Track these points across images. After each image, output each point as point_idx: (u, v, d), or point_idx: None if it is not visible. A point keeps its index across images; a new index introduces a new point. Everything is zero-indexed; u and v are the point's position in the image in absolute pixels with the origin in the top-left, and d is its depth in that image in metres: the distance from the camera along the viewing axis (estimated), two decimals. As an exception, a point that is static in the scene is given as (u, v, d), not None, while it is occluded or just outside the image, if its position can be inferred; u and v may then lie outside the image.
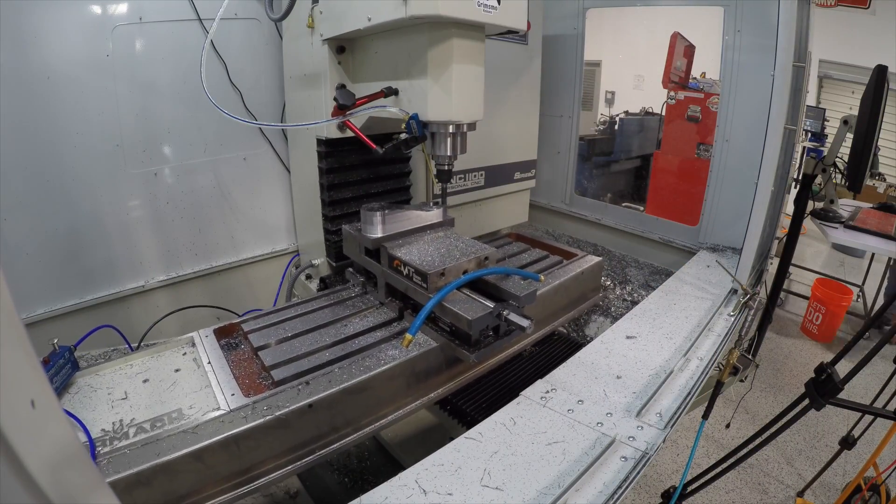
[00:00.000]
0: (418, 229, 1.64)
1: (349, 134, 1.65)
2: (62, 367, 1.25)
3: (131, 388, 1.27)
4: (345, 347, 1.39)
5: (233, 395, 1.20)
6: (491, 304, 1.29)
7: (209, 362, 1.33)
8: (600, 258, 2.01)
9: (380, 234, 1.55)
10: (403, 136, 1.48)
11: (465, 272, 1.40)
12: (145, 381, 1.30)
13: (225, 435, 1.07)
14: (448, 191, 1.77)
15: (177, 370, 1.35)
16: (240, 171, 2.25)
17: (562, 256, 2.06)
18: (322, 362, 1.32)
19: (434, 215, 1.69)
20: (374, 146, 1.56)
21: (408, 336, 1.24)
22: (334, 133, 1.73)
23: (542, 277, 1.40)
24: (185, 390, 1.27)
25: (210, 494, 1.08)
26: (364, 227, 1.59)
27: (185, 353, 1.43)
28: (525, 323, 1.25)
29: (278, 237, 2.44)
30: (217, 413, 1.14)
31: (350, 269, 1.79)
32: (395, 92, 1.51)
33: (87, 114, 1.80)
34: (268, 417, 1.12)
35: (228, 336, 1.51)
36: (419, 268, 1.37)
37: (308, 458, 1.21)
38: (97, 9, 1.77)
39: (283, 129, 2.29)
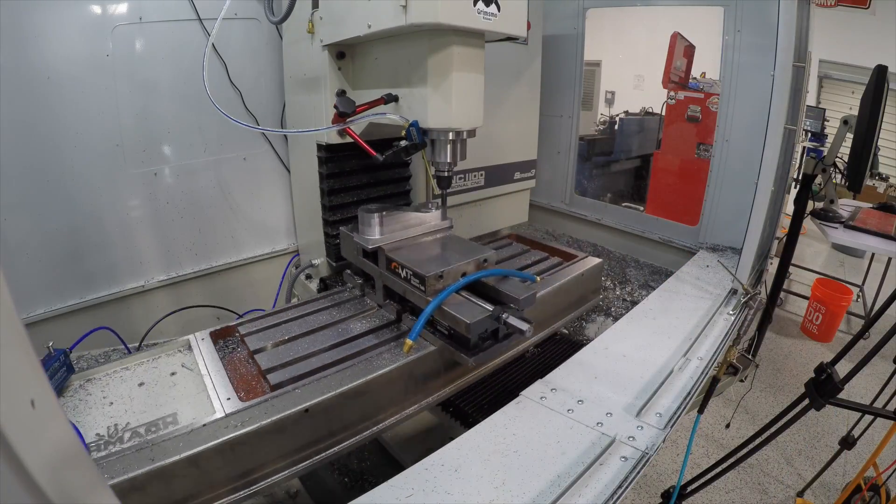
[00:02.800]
0: (417, 231, 1.64)
1: (349, 140, 1.65)
2: (57, 371, 1.24)
3: (127, 393, 1.26)
4: (342, 351, 1.38)
5: (228, 399, 1.19)
6: (490, 307, 1.27)
7: (205, 366, 1.32)
8: (600, 260, 2.00)
9: (377, 237, 1.55)
10: (403, 142, 1.48)
11: (463, 274, 1.39)
12: (141, 384, 1.29)
13: (220, 440, 1.06)
14: (448, 191, 1.78)
15: (173, 374, 1.34)
16: (240, 171, 2.25)
17: (561, 258, 2.05)
18: (319, 366, 1.31)
19: (432, 217, 1.69)
20: (374, 153, 1.56)
21: (408, 341, 1.23)
22: (334, 139, 1.73)
23: (539, 279, 1.40)
24: (181, 394, 1.26)
25: (206, 500, 1.07)
26: (362, 229, 1.59)
27: (181, 357, 1.42)
28: (524, 326, 1.23)
29: (278, 237, 2.44)
30: (213, 418, 1.13)
31: (348, 271, 1.79)
32: (395, 99, 1.51)
33: (87, 113, 1.80)
34: (264, 422, 1.11)
35: (226, 338, 1.50)
36: (417, 270, 1.36)
37: (305, 462, 1.20)
38: (97, 9, 1.77)
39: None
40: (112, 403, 1.21)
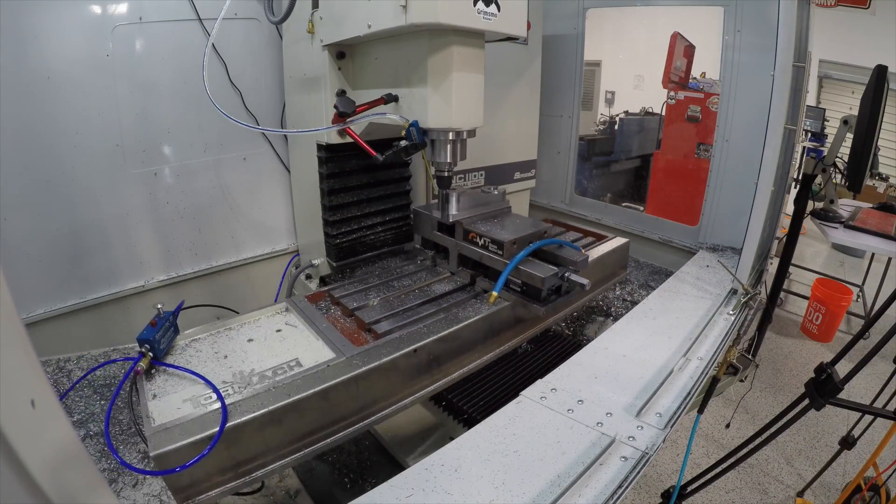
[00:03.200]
0: (483, 210, 1.79)
1: (349, 140, 1.65)
2: (167, 330, 1.31)
3: (238, 347, 1.37)
4: (431, 307, 1.60)
5: (344, 345, 1.35)
6: (554, 268, 1.48)
7: (311, 322, 1.48)
8: (627, 240, 2.19)
9: (454, 213, 1.72)
10: (403, 142, 1.48)
11: (530, 242, 1.59)
12: (250, 340, 1.40)
13: (347, 376, 1.22)
14: (448, 191, 1.78)
15: (278, 330, 1.46)
16: (240, 171, 2.25)
17: (594, 238, 2.25)
18: (415, 318, 1.52)
19: (495, 198, 1.85)
20: (374, 153, 1.56)
21: (493, 293, 1.41)
22: (334, 139, 1.74)
23: (583, 250, 1.59)
24: (294, 346, 1.39)
25: (329, 432, 1.23)
26: (441, 206, 1.74)
27: (282, 318, 1.55)
28: (584, 281, 1.45)
29: (278, 237, 2.44)
30: (336, 360, 1.28)
31: (417, 246, 2.00)
32: (395, 99, 1.52)
33: (87, 114, 1.80)
34: (383, 360, 1.29)
35: (317, 302, 1.65)
36: (496, 237, 1.56)
37: (412, 396, 1.38)
38: (97, 9, 1.77)
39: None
40: (226, 357, 1.32)
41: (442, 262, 1.87)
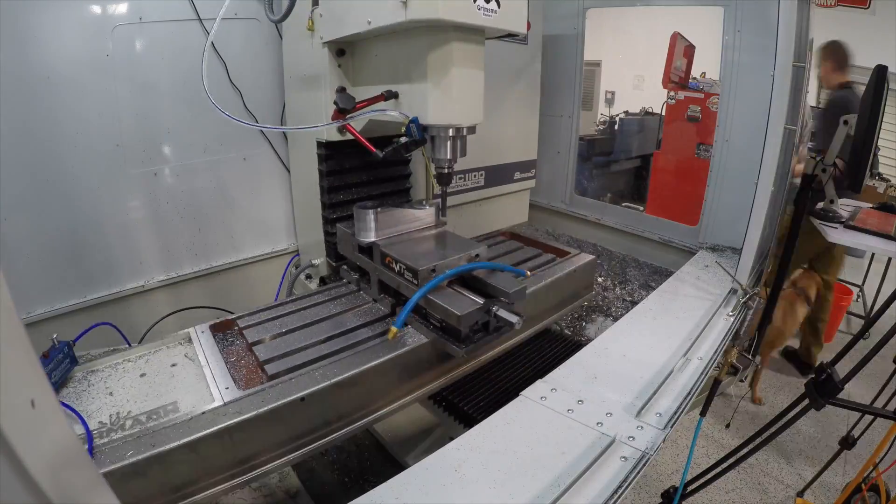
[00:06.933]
0: (411, 228, 1.67)
1: (349, 137, 1.65)
2: (61, 362, 1.26)
3: (128, 383, 1.28)
4: (337, 343, 1.41)
5: (227, 388, 1.21)
6: (481, 301, 1.31)
7: (205, 357, 1.35)
8: (593, 256, 2.00)
9: (373, 233, 1.59)
10: (403, 139, 1.48)
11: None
12: (142, 375, 1.32)
13: (219, 427, 1.09)
14: (448, 191, 1.78)
15: (173, 365, 1.37)
16: (240, 171, 2.25)
17: (555, 254, 2.05)
18: (315, 357, 1.34)
19: (427, 214, 1.71)
20: (374, 150, 1.56)
21: (393, 329, 1.27)
22: (334, 136, 1.73)
23: (529, 273, 1.43)
24: (181, 384, 1.29)
25: (204, 486, 1.11)
26: (357, 226, 1.61)
27: (182, 349, 1.45)
28: (514, 319, 1.26)
29: (278, 237, 2.44)
30: (212, 406, 1.16)
31: (345, 267, 1.82)
32: (395, 95, 1.51)
33: (87, 114, 1.80)
34: (261, 410, 1.14)
35: (225, 331, 1.53)
36: (409, 264, 1.40)
37: (301, 450, 1.23)
38: (97, 9, 1.77)
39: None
40: (112, 394, 1.24)
41: (366, 287, 1.70)
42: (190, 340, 1.45)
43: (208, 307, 2.21)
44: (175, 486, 1.07)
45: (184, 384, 1.29)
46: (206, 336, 1.45)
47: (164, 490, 1.05)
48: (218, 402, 1.16)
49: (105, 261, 1.96)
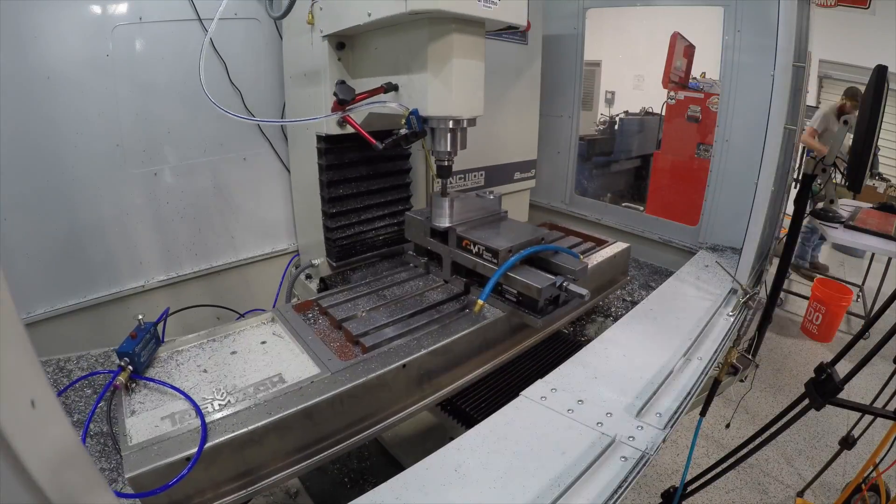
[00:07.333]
0: (478, 215, 1.76)
1: (349, 130, 1.65)
2: (148, 342, 1.29)
3: (222, 360, 1.34)
4: (422, 318, 1.55)
5: (330, 360, 1.31)
6: (552, 277, 1.44)
7: (297, 334, 1.44)
8: (628, 245, 2.15)
9: (447, 219, 1.67)
10: (403, 131, 1.48)
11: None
12: (233, 352, 1.37)
13: (332, 393, 1.19)
14: (448, 190, 1.78)
15: (263, 342, 1.43)
16: (240, 171, 2.25)
17: (594, 243, 2.20)
18: (405, 330, 1.47)
19: (492, 203, 1.81)
20: (374, 141, 1.56)
21: (479, 301, 1.37)
22: (334, 129, 1.73)
23: (582, 257, 1.55)
24: (277, 358, 1.35)
25: (316, 450, 1.20)
26: (434, 212, 1.69)
27: (267, 328, 1.52)
28: (584, 291, 1.40)
29: (278, 237, 2.44)
30: (320, 375, 1.24)
31: (410, 252, 1.90)
32: (394, 87, 1.51)
33: (86, 114, 1.80)
34: (370, 376, 1.25)
35: (304, 312, 1.62)
36: (490, 245, 1.51)
37: (399, 414, 1.35)
38: (97, 9, 1.77)
39: (282, 129, 2.29)
40: (206, 371, 1.29)
41: (435, 269, 1.80)
42: (273, 320, 1.55)
43: (209, 306, 2.21)
44: (287, 452, 1.15)
45: (280, 358, 1.35)
46: (292, 314, 1.56)
47: (277, 456, 1.13)
48: (325, 373, 1.25)
49: (105, 261, 1.96)
